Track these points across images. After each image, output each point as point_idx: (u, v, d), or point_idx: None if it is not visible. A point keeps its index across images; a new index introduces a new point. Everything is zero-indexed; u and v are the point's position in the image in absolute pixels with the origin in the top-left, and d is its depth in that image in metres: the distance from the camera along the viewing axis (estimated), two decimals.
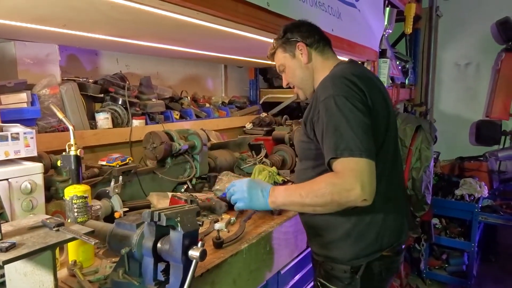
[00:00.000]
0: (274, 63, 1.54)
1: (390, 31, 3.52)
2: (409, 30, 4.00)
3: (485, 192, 3.53)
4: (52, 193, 1.52)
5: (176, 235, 0.98)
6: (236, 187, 1.35)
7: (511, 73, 4.30)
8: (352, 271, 1.31)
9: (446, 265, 3.66)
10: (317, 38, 1.44)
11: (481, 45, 4.57)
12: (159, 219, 0.96)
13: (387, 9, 3.37)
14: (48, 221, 1.00)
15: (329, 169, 1.16)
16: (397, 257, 1.38)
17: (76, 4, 1.20)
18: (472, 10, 4.57)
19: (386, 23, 3.30)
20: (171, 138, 2.08)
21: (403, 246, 1.41)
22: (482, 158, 4.32)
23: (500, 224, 3.51)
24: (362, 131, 1.13)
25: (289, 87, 1.56)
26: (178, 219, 0.98)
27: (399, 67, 4.19)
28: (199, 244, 0.99)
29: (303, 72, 1.45)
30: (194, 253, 0.97)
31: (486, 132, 4.49)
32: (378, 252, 1.30)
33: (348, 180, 1.09)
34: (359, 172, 1.09)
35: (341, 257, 1.32)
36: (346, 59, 1.44)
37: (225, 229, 1.54)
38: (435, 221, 3.64)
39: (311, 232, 1.45)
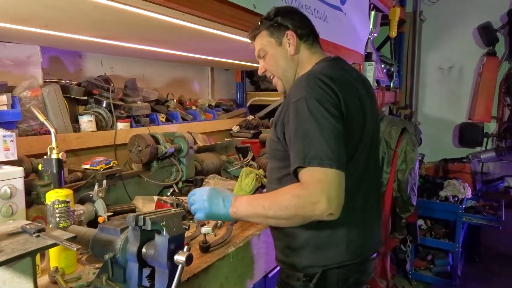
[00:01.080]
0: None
1: (376, 35, 3.56)
2: (393, 34, 4.06)
3: (469, 193, 3.59)
4: (33, 198, 1.48)
5: (161, 240, 0.96)
6: (196, 196, 1.21)
7: (493, 76, 4.40)
8: (306, 279, 1.22)
9: (432, 266, 3.70)
10: (308, 31, 1.34)
11: (464, 49, 4.67)
12: (144, 224, 0.94)
13: (372, 13, 3.41)
14: (28, 226, 0.97)
15: (295, 177, 1.08)
16: (362, 266, 1.27)
17: (56, 3, 1.17)
18: (455, 15, 4.66)
19: (371, 26, 3.34)
20: (157, 141, 2.06)
21: (374, 255, 1.32)
22: (465, 160, 4.40)
23: (483, 225, 3.57)
24: (334, 139, 1.05)
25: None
26: (164, 223, 0.96)
27: (384, 70, 4.24)
28: (185, 248, 0.97)
29: (287, 63, 1.34)
30: (180, 257, 0.95)
31: (469, 134, 4.57)
32: (336, 263, 1.21)
33: (314, 192, 1.01)
34: (326, 184, 1.01)
35: (296, 264, 1.24)
36: (332, 56, 1.36)
37: (212, 233, 1.52)
38: (420, 222, 3.68)
39: (274, 237, 1.36)
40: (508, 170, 4.47)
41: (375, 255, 1.33)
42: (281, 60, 1.34)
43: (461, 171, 4.24)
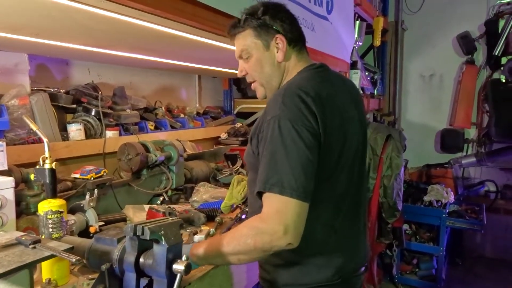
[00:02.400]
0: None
1: (360, 44, 3.64)
2: (377, 42, 4.16)
3: (451, 198, 3.68)
4: (22, 209, 1.46)
5: (159, 249, 0.96)
6: None
7: (472, 84, 4.54)
8: None
9: (417, 270, 3.77)
10: (297, 35, 1.23)
11: (444, 58, 4.81)
12: (143, 233, 0.94)
13: (357, 22, 3.49)
14: (23, 238, 0.96)
15: (259, 199, 1.03)
16: (347, 285, 1.21)
17: (51, 13, 1.17)
18: (435, 24, 4.81)
19: (356, 35, 3.41)
20: (147, 149, 2.05)
21: (362, 269, 1.27)
22: (447, 165, 4.51)
23: (466, 228, 3.66)
24: (300, 166, 0.98)
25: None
26: (162, 232, 0.96)
27: (368, 78, 4.33)
28: (183, 257, 0.98)
29: (273, 70, 1.21)
30: (178, 267, 0.95)
31: (450, 140, 4.69)
32: (317, 283, 1.15)
33: (271, 224, 0.96)
34: (284, 214, 0.96)
35: (277, 281, 1.19)
36: (318, 63, 1.26)
37: None
38: (405, 227, 3.75)
39: None
40: (488, 175, 4.60)
41: (363, 269, 1.27)
42: (267, 66, 1.21)
43: (443, 176, 4.35)
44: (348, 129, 1.16)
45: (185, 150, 2.42)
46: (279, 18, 1.20)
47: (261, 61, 1.22)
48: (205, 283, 1.31)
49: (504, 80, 4.34)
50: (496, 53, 4.27)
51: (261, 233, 0.97)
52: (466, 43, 4.51)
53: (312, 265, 1.15)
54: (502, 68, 4.34)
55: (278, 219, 0.97)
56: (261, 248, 0.98)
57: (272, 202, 0.99)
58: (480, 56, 4.62)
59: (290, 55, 1.22)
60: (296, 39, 1.23)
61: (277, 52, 1.20)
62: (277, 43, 1.19)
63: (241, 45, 1.23)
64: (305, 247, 1.04)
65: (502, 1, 4.33)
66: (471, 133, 4.73)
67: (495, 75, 4.49)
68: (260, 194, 1.03)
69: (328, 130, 1.06)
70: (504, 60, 4.31)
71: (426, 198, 3.67)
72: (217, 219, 1.81)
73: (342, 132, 1.13)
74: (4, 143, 1.32)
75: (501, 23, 4.29)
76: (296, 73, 1.21)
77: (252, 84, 1.28)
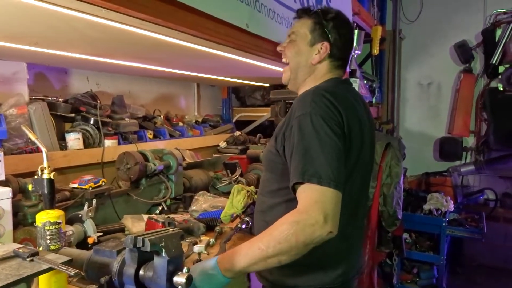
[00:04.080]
0: (251, 82, 1.42)
1: (359, 52, 3.65)
2: (376, 51, 4.17)
3: (451, 206, 3.66)
4: (19, 219, 1.43)
5: (160, 261, 0.94)
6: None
7: (470, 92, 4.56)
8: None
9: (417, 279, 3.74)
10: (342, 56, 1.29)
11: (442, 66, 4.83)
12: (143, 245, 0.92)
13: (356, 31, 3.50)
14: (20, 250, 0.94)
15: (293, 192, 1.07)
16: (346, 285, 1.25)
17: (52, 22, 1.16)
18: (433, 33, 4.84)
19: (355, 44, 3.42)
20: (146, 158, 2.03)
21: (355, 276, 1.32)
22: (446, 174, 4.51)
23: (466, 237, 3.64)
24: (335, 158, 1.03)
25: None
26: (163, 244, 0.94)
27: (367, 86, 4.33)
28: (184, 269, 0.96)
29: (304, 64, 1.29)
30: (179, 279, 0.93)
31: (448, 148, 4.69)
32: (319, 285, 1.20)
33: (312, 214, 0.97)
34: (323, 204, 0.99)
35: (279, 283, 1.22)
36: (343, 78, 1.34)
37: (205, 252, 1.50)
38: (405, 235, 3.73)
39: None
40: (487, 183, 4.60)
41: (357, 274, 1.33)
42: (301, 57, 1.29)
43: (442, 184, 4.34)
44: (364, 135, 1.22)
45: (184, 159, 2.41)
46: (338, 31, 1.27)
47: (299, 51, 1.30)
48: None
49: (502, 89, 4.36)
50: (494, 62, 4.29)
51: (303, 225, 0.97)
52: (463, 52, 4.54)
53: (321, 269, 1.19)
54: (499, 76, 4.36)
55: (317, 209, 0.98)
56: (303, 241, 0.97)
57: (311, 193, 1.01)
58: (477, 65, 4.65)
59: (324, 64, 1.29)
60: (338, 58, 1.29)
61: (316, 54, 1.28)
62: (321, 48, 1.27)
63: (296, 27, 1.33)
64: (316, 251, 1.03)
65: (499, 10, 4.37)
66: (470, 141, 4.74)
67: (493, 84, 4.51)
68: (293, 188, 1.06)
69: (351, 131, 1.13)
70: (501, 68, 4.33)
71: (426, 207, 3.66)
72: (217, 228, 1.79)
73: (361, 138, 1.19)
74: (2, 153, 1.30)
75: (498, 32, 4.31)
76: (323, 81, 1.28)
77: (284, 68, 1.37)
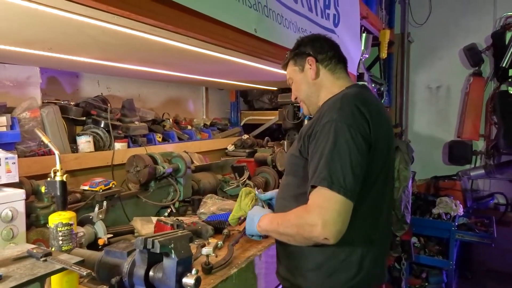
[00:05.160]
0: (260, 86, 1.52)
1: (367, 56, 3.65)
2: (384, 55, 4.17)
3: (460, 210, 3.63)
4: (32, 220, 1.46)
5: (169, 263, 0.96)
6: (247, 218, 1.42)
7: (480, 96, 4.52)
8: None
9: (426, 284, 3.70)
10: (330, 55, 1.36)
11: (451, 69, 4.80)
12: (153, 246, 0.94)
13: (364, 35, 3.51)
14: (34, 251, 0.97)
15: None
16: None
17: (66, 29, 1.19)
18: (441, 36, 4.82)
19: (363, 48, 3.43)
20: (155, 161, 2.06)
21: (379, 283, 1.33)
22: (455, 177, 4.47)
23: (475, 242, 3.60)
24: (350, 166, 1.07)
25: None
26: (172, 245, 0.96)
27: (375, 90, 4.33)
28: (193, 271, 0.97)
29: (309, 87, 1.38)
30: (188, 280, 0.95)
31: (458, 152, 4.65)
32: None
33: (312, 216, 1.06)
34: (324, 210, 1.05)
35: (302, 286, 1.25)
36: (361, 83, 1.40)
37: (213, 254, 1.51)
38: (414, 240, 3.70)
39: (282, 254, 1.37)
40: (497, 187, 4.55)
41: (378, 283, 1.33)
42: (304, 85, 1.39)
43: (452, 188, 4.30)
44: (390, 143, 1.29)
45: (192, 162, 2.43)
46: (310, 44, 1.38)
47: (299, 82, 1.41)
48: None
49: None
50: (504, 65, 4.25)
51: (303, 223, 1.09)
52: (473, 55, 4.50)
53: (344, 271, 1.21)
54: (509, 80, 4.32)
55: (318, 213, 1.06)
56: (301, 235, 1.11)
57: (318, 196, 1.08)
58: (487, 68, 4.60)
59: (323, 73, 1.36)
60: (328, 58, 1.36)
61: (310, 71, 1.36)
62: (310, 64, 1.36)
63: (287, 74, 1.46)
64: (342, 251, 1.18)
65: (509, 13, 4.33)
66: (479, 145, 4.69)
67: (503, 87, 4.47)
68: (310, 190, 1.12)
69: (378, 139, 1.16)
70: (511, 72, 4.29)
71: (435, 211, 3.63)
72: (225, 231, 1.80)
73: (387, 143, 1.25)
74: (16, 155, 1.33)
75: (508, 35, 4.27)
76: (341, 89, 1.32)
77: (300, 104, 1.48)
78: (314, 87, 1.37)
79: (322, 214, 1.05)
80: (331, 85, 1.35)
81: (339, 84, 1.34)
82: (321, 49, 1.36)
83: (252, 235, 1.41)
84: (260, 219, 1.31)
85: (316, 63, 1.35)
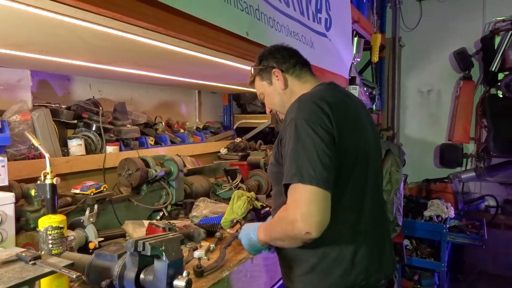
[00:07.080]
0: (253, 90, 1.53)
1: (359, 60, 3.69)
2: (375, 58, 4.21)
3: (452, 213, 3.66)
4: (22, 224, 1.44)
5: (160, 265, 0.95)
6: (240, 234, 1.38)
7: (470, 99, 4.58)
8: None
9: (419, 286, 3.72)
10: (293, 62, 1.41)
11: (441, 73, 4.87)
12: (144, 249, 0.94)
13: (355, 39, 3.55)
14: (23, 254, 0.96)
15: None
16: None
17: (57, 31, 1.19)
18: (432, 41, 4.88)
19: (354, 52, 3.46)
20: (147, 165, 2.05)
21: (383, 281, 1.29)
22: (446, 180, 4.51)
23: (467, 244, 3.63)
24: (317, 157, 1.06)
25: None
26: (163, 248, 0.96)
27: (367, 93, 4.36)
28: (184, 273, 0.97)
29: (281, 98, 1.42)
30: (179, 283, 0.95)
31: (449, 155, 4.70)
32: (341, 287, 1.21)
33: (290, 212, 1.06)
34: (299, 203, 1.04)
35: None
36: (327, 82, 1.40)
37: (205, 257, 1.51)
38: (406, 242, 3.72)
39: (280, 260, 1.37)
40: (487, 189, 4.60)
41: (383, 281, 1.29)
42: (276, 97, 1.44)
43: (443, 191, 4.33)
44: (362, 136, 1.27)
45: (185, 165, 2.42)
46: (271, 57, 1.43)
47: (271, 95, 1.45)
48: None
49: (501, 96, 4.38)
50: (493, 69, 4.32)
51: (285, 223, 1.09)
52: (462, 59, 4.57)
53: (338, 267, 1.20)
54: (499, 83, 4.38)
55: (294, 208, 1.05)
56: (287, 235, 1.10)
57: (293, 192, 1.07)
58: (476, 72, 4.67)
59: (291, 81, 1.41)
60: (293, 66, 1.41)
61: (278, 83, 1.41)
62: (276, 76, 1.41)
63: (257, 90, 1.51)
64: (332, 249, 1.18)
65: (498, 18, 4.40)
66: (470, 148, 4.75)
67: (492, 91, 4.54)
68: (286, 190, 1.12)
69: (343, 133, 1.15)
70: (501, 76, 4.36)
71: (426, 213, 3.66)
72: (217, 234, 1.80)
73: (357, 137, 1.24)
74: (5, 159, 1.32)
75: (497, 39, 4.35)
76: (307, 91, 1.34)
77: (279, 115, 1.50)
78: (286, 96, 1.41)
79: (299, 208, 1.04)
80: (300, 89, 1.37)
81: (306, 87, 1.38)
82: (283, 59, 1.41)
83: (260, 251, 1.35)
84: (256, 234, 1.27)
85: (282, 73, 1.39)
